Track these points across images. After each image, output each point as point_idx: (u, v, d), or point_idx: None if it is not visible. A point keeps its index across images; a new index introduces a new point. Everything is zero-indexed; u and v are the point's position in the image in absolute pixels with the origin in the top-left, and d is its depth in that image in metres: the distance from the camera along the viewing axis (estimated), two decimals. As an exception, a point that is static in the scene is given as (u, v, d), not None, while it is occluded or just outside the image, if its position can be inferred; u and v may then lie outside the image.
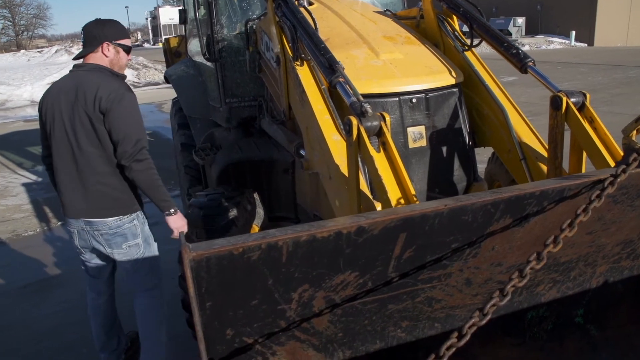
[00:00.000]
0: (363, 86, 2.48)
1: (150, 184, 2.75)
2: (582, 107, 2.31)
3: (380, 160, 1.93)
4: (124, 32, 2.93)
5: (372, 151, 1.93)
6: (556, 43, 32.75)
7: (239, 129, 4.04)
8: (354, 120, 1.94)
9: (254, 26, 3.52)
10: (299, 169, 3.19)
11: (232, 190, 3.53)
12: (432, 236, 1.59)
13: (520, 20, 34.62)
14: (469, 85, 2.99)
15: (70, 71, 2.87)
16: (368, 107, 2.00)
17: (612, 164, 2.10)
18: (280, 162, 3.45)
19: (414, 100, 2.73)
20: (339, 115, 2.48)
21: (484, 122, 2.97)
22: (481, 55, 3.15)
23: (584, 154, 2.30)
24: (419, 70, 2.82)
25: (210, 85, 4.36)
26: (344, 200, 2.18)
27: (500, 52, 2.81)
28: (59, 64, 24.60)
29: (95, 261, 3.08)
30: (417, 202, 1.84)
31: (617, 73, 16.84)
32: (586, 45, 32.65)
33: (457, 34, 3.19)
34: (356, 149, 1.97)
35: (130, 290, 3.13)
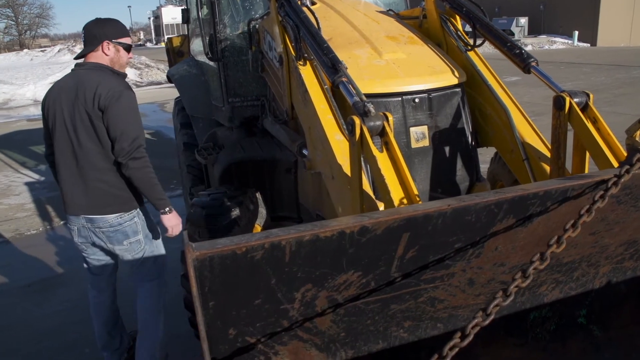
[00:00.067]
0: (366, 86, 2.48)
1: (147, 182, 2.78)
2: (585, 107, 2.30)
3: (383, 160, 1.93)
4: (123, 31, 2.97)
5: (374, 151, 1.93)
6: (559, 43, 32.69)
7: (242, 129, 4.04)
8: (357, 120, 1.94)
9: (257, 26, 3.52)
10: (302, 169, 3.19)
11: (234, 189, 3.53)
12: (435, 236, 1.59)
13: (523, 20, 34.54)
14: (472, 85, 2.99)
15: (72, 70, 2.91)
16: (371, 107, 2.00)
17: (616, 164, 2.10)
18: (283, 162, 3.45)
19: (416, 100, 2.72)
20: (341, 115, 2.48)
21: (486, 122, 2.97)
22: (484, 55, 3.14)
23: (587, 154, 2.29)
24: (421, 70, 2.82)
25: (213, 84, 4.36)
26: (346, 200, 2.18)
27: (504, 52, 2.80)
28: (61, 63, 24.62)
29: (97, 257, 3.10)
30: (420, 202, 1.84)
31: (620, 73, 16.80)
32: (589, 45, 32.57)
33: (460, 34, 3.19)
34: (359, 148, 1.96)
35: (134, 281, 3.17)
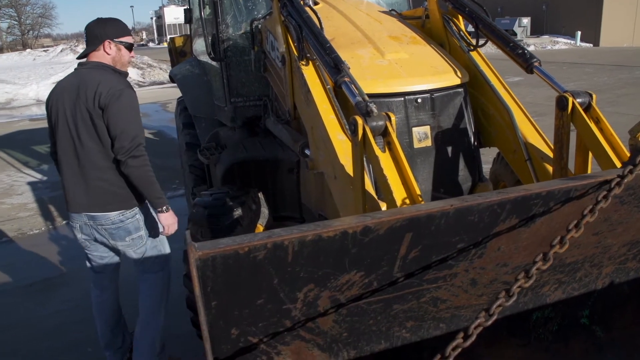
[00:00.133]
0: (368, 86, 2.48)
1: (145, 180, 2.81)
2: (588, 108, 2.30)
3: (385, 160, 1.93)
4: (125, 30, 2.99)
5: (377, 151, 1.93)
6: (561, 43, 32.64)
7: (244, 129, 4.04)
8: (360, 120, 1.94)
9: (259, 26, 3.52)
10: (304, 169, 3.19)
11: (237, 189, 3.53)
12: (437, 236, 1.58)
13: (526, 21, 34.49)
14: (475, 86, 2.98)
15: (75, 69, 2.95)
16: (373, 107, 2.00)
17: (619, 164, 2.09)
18: (285, 162, 3.45)
19: (419, 100, 2.72)
20: (344, 115, 2.48)
21: (489, 122, 2.97)
22: (487, 55, 3.14)
23: (590, 154, 2.29)
24: (424, 70, 2.82)
25: (216, 84, 4.36)
26: (349, 200, 2.18)
27: (506, 52, 2.80)
28: (64, 63, 24.66)
29: (100, 254, 3.13)
30: (423, 202, 1.84)
31: (623, 73, 16.77)
32: (592, 45, 32.52)
33: (463, 34, 3.18)
34: (361, 148, 1.96)
35: (138, 273, 3.20)
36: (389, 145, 1.99)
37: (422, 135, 2.74)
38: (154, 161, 2.84)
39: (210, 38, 3.97)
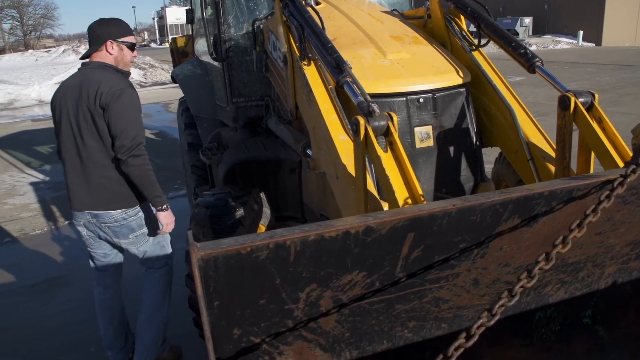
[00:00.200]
0: (370, 86, 2.47)
1: (146, 179, 2.84)
2: (590, 107, 2.29)
3: (387, 160, 1.93)
4: (127, 30, 3.03)
5: (379, 151, 1.92)
6: (563, 43, 32.58)
7: (246, 129, 4.04)
8: (362, 120, 1.94)
9: (261, 26, 3.53)
10: (306, 169, 3.18)
11: (238, 189, 3.53)
12: (440, 236, 1.58)
13: (528, 20, 34.46)
14: (477, 85, 2.98)
15: (78, 69, 2.99)
16: (375, 107, 2.00)
17: (621, 164, 2.09)
18: (287, 162, 3.45)
19: (421, 100, 2.72)
20: (346, 115, 2.47)
21: (491, 122, 2.96)
22: (488, 55, 3.13)
23: (592, 154, 2.28)
24: (426, 70, 2.82)
25: (217, 84, 4.36)
26: (351, 200, 2.18)
27: (508, 52, 2.79)
28: (66, 63, 24.68)
29: (103, 252, 3.16)
30: (425, 202, 1.84)
31: (625, 73, 16.74)
32: (594, 45, 32.46)
33: (465, 34, 3.18)
34: (363, 148, 1.96)
35: (143, 269, 3.25)
36: (391, 145, 1.98)
37: (424, 135, 2.74)
38: (155, 161, 2.86)
39: (212, 38, 3.97)
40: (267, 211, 3.66)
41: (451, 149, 2.81)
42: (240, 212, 3.33)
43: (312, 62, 2.72)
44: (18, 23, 59.87)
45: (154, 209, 3.01)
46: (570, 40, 33.09)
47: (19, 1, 57.57)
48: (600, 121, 2.26)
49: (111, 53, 2.94)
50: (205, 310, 1.33)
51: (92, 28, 2.96)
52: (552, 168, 2.53)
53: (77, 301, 4.14)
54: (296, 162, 3.37)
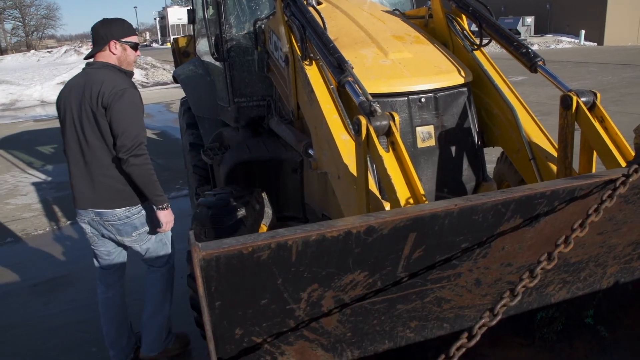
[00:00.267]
0: (372, 86, 2.47)
1: (147, 178, 2.88)
2: (592, 107, 2.29)
3: (389, 160, 1.93)
4: (130, 30, 3.06)
5: (381, 151, 1.92)
6: (565, 42, 32.55)
7: (248, 129, 4.04)
8: (363, 120, 1.94)
9: (263, 26, 3.53)
10: (308, 169, 3.19)
11: (240, 189, 3.53)
12: (441, 236, 1.58)
13: (529, 20, 34.44)
14: (478, 85, 2.98)
15: (83, 69, 3.03)
16: (377, 107, 2.00)
17: (623, 163, 2.08)
18: (289, 162, 3.45)
19: (422, 100, 2.72)
20: (347, 114, 2.47)
21: (493, 122, 2.96)
22: (490, 55, 3.13)
23: (595, 153, 2.28)
24: (428, 70, 2.81)
25: (219, 85, 4.36)
26: (352, 200, 2.18)
27: (510, 52, 2.79)
28: (68, 64, 24.71)
29: (107, 249, 3.19)
30: (426, 202, 1.83)
31: (627, 72, 16.72)
32: (596, 44, 32.43)
33: (466, 33, 3.18)
34: (365, 148, 1.96)
35: (145, 266, 3.30)
36: (392, 145, 1.98)
37: (425, 135, 2.74)
38: (157, 161, 2.87)
39: (213, 38, 3.98)
40: (268, 211, 3.66)
41: (453, 148, 2.81)
42: (241, 212, 3.33)
43: (313, 62, 2.72)
44: (20, 23, 59.95)
45: (154, 207, 3.03)
46: (572, 40, 33.06)
47: (21, 2, 57.62)
48: (602, 120, 2.26)
49: (114, 53, 2.97)
50: (207, 310, 1.33)
51: (95, 28, 2.99)
52: (554, 168, 2.52)
53: (79, 301, 4.14)
54: (298, 162, 3.37)
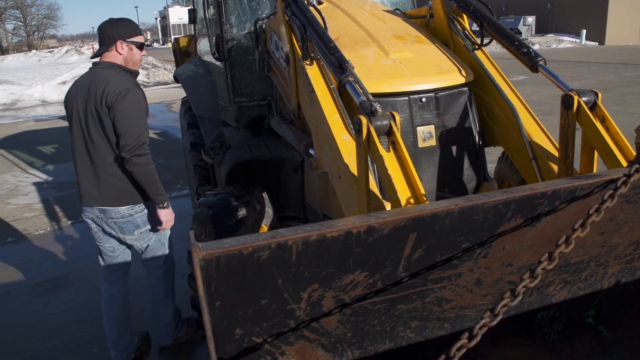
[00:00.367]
0: (373, 85, 2.47)
1: (149, 178, 2.92)
2: (593, 106, 2.29)
3: (389, 160, 1.93)
4: (136, 30, 3.09)
5: (381, 150, 1.92)
6: (566, 42, 32.53)
7: (248, 129, 4.04)
8: (364, 120, 1.93)
9: (264, 25, 3.52)
10: (308, 169, 3.18)
11: (241, 189, 3.53)
12: (442, 236, 1.58)
13: (530, 19, 34.40)
14: (479, 85, 2.97)
15: (89, 69, 3.07)
16: (378, 107, 1.99)
17: (625, 163, 2.08)
18: (290, 162, 3.45)
19: (423, 100, 2.71)
20: (348, 114, 2.47)
21: (494, 122, 2.96)
22: (491, 54, 3.13)
23: (596, 153, 2.28)
24: (428, 70, 2.81)
25: (220, 84, 4.36)
26: (353, 200, 2.18)
27: (511, 51, 2.79)
28: (69, 64, 24.69)
29: (110, 246, 3.22)
30: (427, 202, 1.83)
31: (629, 72, 16.70)
32: (597, 44, 32.40)
33: (467, 33, 3.17)
34: (366, 148, 1.96)
35: (145, 266, 3.34)
36: (393, 145, 1.98)
37: (426, 135, 2.74)
38: (158, 161, 2.88)
39: (214, 38, 3.97)
40: (269, 211, 3.66)
41: (454, 148, 2.81)
42: (242, 212, 3.33)
43: (314, 62, 2.72)
44: (21, 23, 60.01)
45: (155, 206, 3.05)
46: (573, 39, 33.03)
47: (22, 2, 57.68)
48: (603, 120, 2.25)
49: (121, 53, 3.01)
50: (207, 310, 1.33)
51: (102, 28, 3.03)
52: (555, 167, 2.52)
53: (80, 301, 4.14)
54: (298, 162, 3.37)
